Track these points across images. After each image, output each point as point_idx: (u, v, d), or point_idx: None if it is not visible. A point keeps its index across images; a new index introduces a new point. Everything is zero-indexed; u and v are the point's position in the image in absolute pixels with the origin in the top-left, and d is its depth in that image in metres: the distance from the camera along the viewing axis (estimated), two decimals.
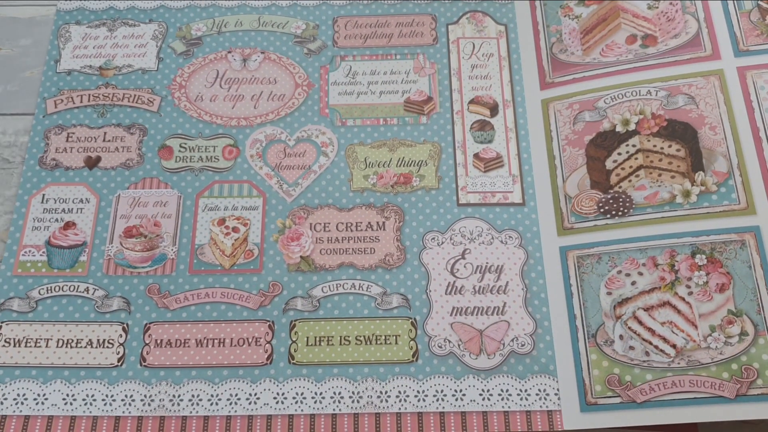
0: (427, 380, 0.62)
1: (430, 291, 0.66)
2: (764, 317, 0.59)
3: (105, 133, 0.72)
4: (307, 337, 0.64)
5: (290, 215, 0.68)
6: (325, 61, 0.75)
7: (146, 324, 0.64)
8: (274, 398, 0.61)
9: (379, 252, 0.67)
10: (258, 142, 0.71)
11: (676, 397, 0.60)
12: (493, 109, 0.73)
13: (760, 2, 0.69)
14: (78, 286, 0.66)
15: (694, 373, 0.60)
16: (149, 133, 0.72)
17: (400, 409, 0.61)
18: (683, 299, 0.62)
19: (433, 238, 0.68)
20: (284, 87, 0.73)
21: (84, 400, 0.60)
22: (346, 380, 0.62)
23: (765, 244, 0.61)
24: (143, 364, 0.62)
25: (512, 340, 0.64)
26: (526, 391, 0.63)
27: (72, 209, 0.69)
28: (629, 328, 0.63)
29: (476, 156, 0.71)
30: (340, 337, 0.64)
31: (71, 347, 0.62)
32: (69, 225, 0.68)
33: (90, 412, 0.60)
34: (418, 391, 0.62)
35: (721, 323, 0.61)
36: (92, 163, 0.70)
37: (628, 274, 0.64)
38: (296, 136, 0.71)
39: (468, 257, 0.67)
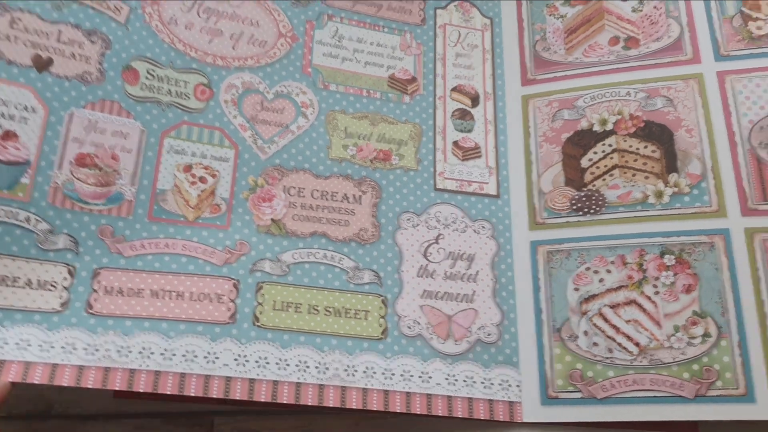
0: (395, 359, 0.60)
1: (402, 271, 0.64)
2: (728, 320, 0.60)
3: (60, 31, 0.61)
4: (274, 301, 0.60)
5: (263, 174, 0.64)
6: (312, 16, 0.71)
7: (96, 269, 0.57)
8: (235, 359, 0.57)
9: (353, 225, 0.64)
10: (234, 88, 0.66)
11: (636, 395, 0.59)
12: (474, 100, 0.72)
13: (743, 9, 0.71)
14: (17, 213, 0.56)
15: (656, 372, 0.60)
16: (113, 48, 0.63)
17: (366, 384, 0.59)
18: (649, 298, 0.62)
19: (409, 219, 0.66)
20: (267, 33, 0.69)
21: (18, 344, 0.54)
22: (312, 349, 0.59)
23: (734, 247, 0.62)
24: (89, 311, 0.56)
25: (479, 329, 0.63)
26: (489, 380, 0.61)
27: (14, 116, 0.58)
28: (594, 324, 0.63)
29: (455, 144, 0.70)
30: (309, 305, 0.61)
31: (6, 285, 0.55)
32: (9, 135, 0.57)
33: (23, 357, 0.54)
34: (386, 369, 0.60)
35: (685, 324, 0.61)
36: (42, 64, 0.60)
37: (596, 271, 0.64)
38: (275, 90, 0.67)
39: (441, 242, 0.66)
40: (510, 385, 0.62)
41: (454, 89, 0.72)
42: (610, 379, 0.60)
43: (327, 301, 0.61)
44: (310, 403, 0.58)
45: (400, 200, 0.67)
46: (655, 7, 0.73)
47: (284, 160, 0.65)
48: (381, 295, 0.63)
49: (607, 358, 0.61)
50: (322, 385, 0.58)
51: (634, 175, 0.67)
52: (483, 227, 0.67)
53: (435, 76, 0.72)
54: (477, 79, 0.73)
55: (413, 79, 0.72)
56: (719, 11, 0.72)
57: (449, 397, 0.60)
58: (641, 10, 0.73)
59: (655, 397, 0.59)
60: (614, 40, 0.73)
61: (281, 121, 0.67)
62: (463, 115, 0.72)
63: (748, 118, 0.67)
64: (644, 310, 0.62)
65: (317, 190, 0.65)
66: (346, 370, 0.59)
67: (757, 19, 0.70)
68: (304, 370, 0.58)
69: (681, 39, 0.71)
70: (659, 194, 0.66)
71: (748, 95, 0.67)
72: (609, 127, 0.70)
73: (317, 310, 0.61)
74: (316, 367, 0.59)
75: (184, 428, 0.65)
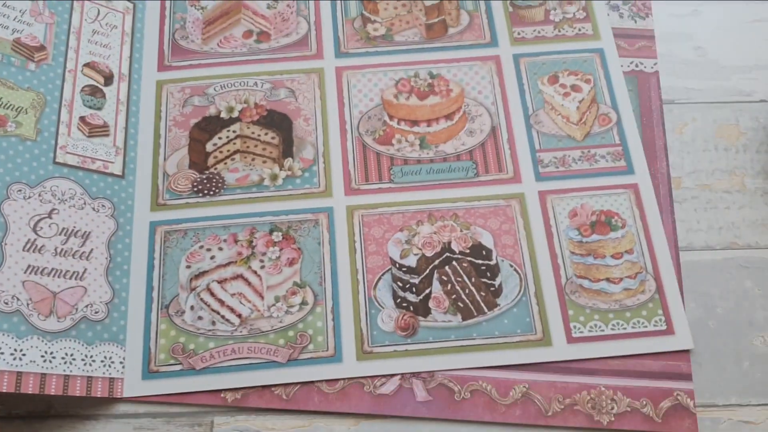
0: None
1: (5, 244, 0.61)
2: (324, 288, 0.65)
3: None
4: None
5: None
6: None
7: None
8: None
9: None
10: None
11: (233, 364, 0.62)
12: (108, 79, 0.71)
13: (363, 12, 0.78)
14: None
15: (254, 341, 0.63)
16: None
17: None
18: (255, 272, 0.66)
19: (20, 191, 0.63)
20: None
21: None
22: None
23: (336, 222, 0.67)
24: None
25: (86, 306, 0.62)
26: (91, 357, 0.61)
27: None
28: (201, 299, 0.65)
29: (82, 119, 0.69)
30: None
31: None
32: None
33: None
34: None
35: (285, 294, 0.65)
36: None
37: (209, 249, 0.67)
38: None
39: (55, 217, 0.64)
40: (113, 362, 0.62)
41: (87, 65, 0.71)
42: (210, 351, 0.63)
43: None
44: None
45: (12, 170, 0.64)
46: (288, 5, 0.78)
47: None
48: None
49: (209, 330, 0.64)
50: None
51: (253, 159, 0.71)
52: (103, 206, 0.66)
53: (67, 49, 0.71)
54: (113, 59, 0.73)
55: (42, 47, 0.69)
56: (343, 12, 0.78)
57: (42, 375, 0.58)
58: (275, 8, 0.78)
59: (250, 364, 0.63)
60: (248, 34, 0.77)
61: None
62: (93, 91, 0.71)
63: (359, 108, 0.73)
64: (249, 284, 0.66)
65: None
66: None
67: (374, 21, 0.77)
68: None
69: (308, 36, 0.77)
70: (274, 177, 0.70)
71: (361, 89, 0.74)
72: (235, 114, 0.73)
73: None
74: None
75: (184, 428, 0.61)
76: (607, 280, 0.65)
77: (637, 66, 0.75)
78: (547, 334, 0.63)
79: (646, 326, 0.63)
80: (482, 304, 0.64)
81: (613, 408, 0.62)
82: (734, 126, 0.73)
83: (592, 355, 0.62)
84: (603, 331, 0.63)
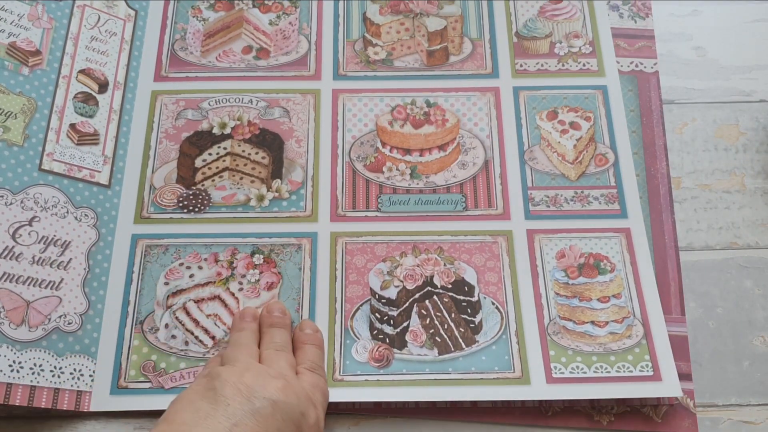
0: None
1: None
2: (300, 315, 0.64)
3: None
4: None
5: None
6: None
7: None
8: None
9: None
10: None
11: None
12: (103, 86, 0.71)
13: (365, 34, 0.77)
14: None
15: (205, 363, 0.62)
16: None
17: None
18: (233, 294, 0.65)
19: (2, 197, 0.63)
20: None
21: None
22: None
23: (319, 248, 0.67)
24: None
25: (60, 317, 0.62)
26: (60, 368, 0.60)
27: None
28: (176, 318, 0.64)
29: (72, 126, 0.68)
30: None
31: None
32: None
33: None
34: None
35: None
36: None
37: (188, 267, 0.66)
38: None
39: (35, 225, 0.63)
40: (82, 375, 0.61)
41: (82, 71, 0.71)
42: (180, 371, 0.62)
43: None
44: None
45: None
46: (290, 23, 0.77)
47: None
48: None
49: (182, 350, 0.63)
50: None
51: (241, 178, 0.70)
52: (86, 215, 0.66)
53: (63, 54, 0.70)
54: (110, 67, 0.73)
55: (37, 52, 0.69)
56: (345, 34, 0.78)
57: (8, 385, 0.58)
58: (277, 24, 0.77)
59: None
60: (247, 49, 0.77)
61: None
62: (86, 99, 0.70)
63: (352, 133, 0.72)
64: (226, 306, 0.65)
65: None
66: None
67: (376, 45, 0.77)
68: None
69: (308, 55, 0.76)
70: (261, 198, 0.69)
71: (356, 113, 0.73)
72: (227, 131, 0.72)
73: None
74: None
75: None
76: (592, 323, 0.64)
77: (637, 66, 0.75)
78: (525, 372, 0.62)
79: (631, 371, 0.61)
80: (460, 340, 0.63)
81: (613, 408, 0.62)
82: (734, 126, 0.74)
83: (572, 397, 0.61)
84: (585, 373, 0.61)
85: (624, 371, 0.62)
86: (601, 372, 0.62)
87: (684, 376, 0.63)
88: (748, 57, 0.77)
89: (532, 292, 0.65)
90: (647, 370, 0.62)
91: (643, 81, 0.75)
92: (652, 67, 0.75)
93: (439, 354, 0.63)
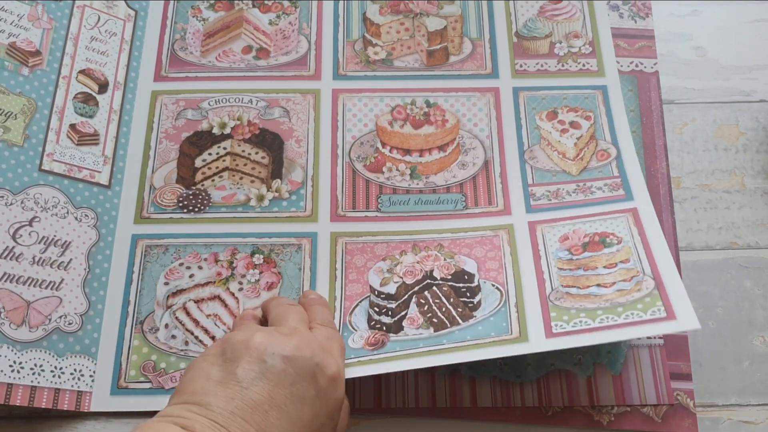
0: None
1: None
2: None
3: None
4: None
5: None
6: None
7: None
8: None
9: None
10: None
11: None
12: (103, 87, 0.71)
13: (365, 34, 0.77)
14: None
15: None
16: None
17: None
18: (233, 294, 0.65)
19: (2, 197, 0.63)
20: None
21: None
22: None
23: (319, 249, 0.66)
24: None
25: (60, 317, 0.62)
26: (60, 369, 0.60)
27: None
28: (176, 318, 0.64)
29: (72, 127, 0.68)
30: None
31: None
32: None
33: None
34: None
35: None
36: None
37: (188, 267, 0.66)
38: None
39: (36, 225, 0.64)
40: (83, 375, 0.61)
41: (82, 71, 0.71)
42: (180, 371, 0.62)
43: None
44: None
45: None
46: (290, 23, 0.77)
47: None
48: None
49: (182, 350, 0.63)
50: None
51: (241, 178, 0.70)
52: (86, 215, 0.66)
53: (63, 55, 0.70)
54: (110, 67, 0.73)
55: (37, 53, 0.69)
56: (345, 33, 0.78)
57: (9, 385, 0.58)
58: (277, 24, 0.77)
59: None
60: (247, 49, 0.77)
61: None
62: (86, 99, 0.70)
63: (352, 133, 0.72)
64: (226, 306, 0.65)
65: None
66: None
67: (375, 45, 0.77)
68: None
69: (308, 55, 0.76)
70: (261, 198, 0.69)
71: (356, 113, 0.73)
72: (227, 131, 0.72)
73: None
74: None
75: None
76: (598, 285, 0.61)
77: (637, 66, 0.75)
78: (524, 332, 0.59)
79: (641, 316, 0.58)
80: (457, 318, 0.62)
81: (613, 408, 0.62)
82: (734, 126, 0.74)
83: (574, 345, 0.57)
84: (589, 325, 0.58)
85: (633, 317, 0.58)
86: (608, 321, 0.58)
87: (684, 376, 0.63)
88: (748, 57, 0.77)
89: (534, 271, 0.64)
90: (660, 313, 0.58)
91: (643, 81, 0.75)
92: (652, 67, 0.75)
93: (435, 331, 0.61)
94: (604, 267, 0.63)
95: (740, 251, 0.69)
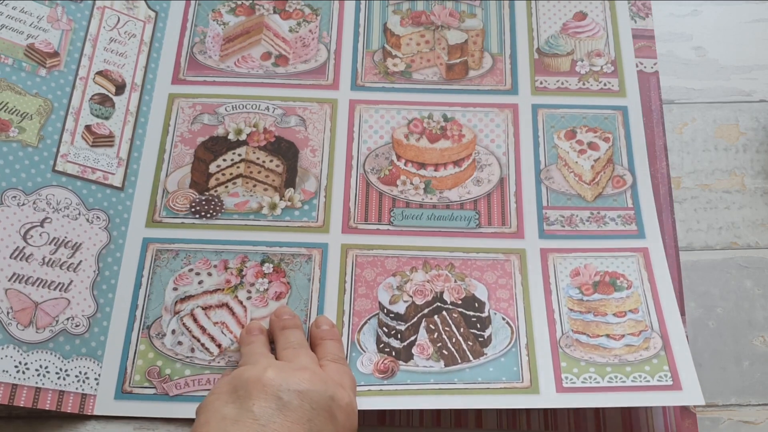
0: None
1: None
2: (306, 326, 0.63)
3: None
4: None
5: None
6: None
7: None
8: None
9: None
10: None
11: (204, 394, 0.60)
12: (120, 88, 0.71)
13: (385, 45, 0.76)
14: None
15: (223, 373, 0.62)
16: None
17: None
18: (241, 303, 0.65)
19: (15, 197, 0.63)
20: None
21: None
22: None
23: (329, 260, 0.66)
24: None
25: (68, 319, 0.61)
26: (66, 371, 0.60)
27: None
28: (183, 324, 0.64)
29: (87, 128, 0.68)
30: None
31: None
32: None
33: None
34: None
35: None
36: None
37: (198, 273, 0.66)
38: None
39: (47, 226, 0.63)
40: (88, 378, 0.61)
41: (99, 73, 0.71)
42: (185, 378, 0.62)
43: None
44: None
45: (9, 175, 0.63)
46: (310, 31, 0.77)
47: None
48: None
49: (188, 357, 0.63)
50: None
51: (255, 186, 0.70)
52: (98, 217, 0.66)
53: (81, 56, 0.70)
54: (128, 68, 0.72)
55: (55, 54, 0.69)
56: (365, 44, 0.77)
57: (13, 386, 0.58)
58: (297, 32, 0.77)
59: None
60: (266, 56, 0.76)
61: None
62: (103, 100, 0.70)
63: (367, 145, 0.72)
64: (234, 314, 0.65)
65: None
66: None
67: (395, 56, 0.76)
68: None
69: (326, 64, 0.76)
70: (273, 206, 0.69)
71: (372, 125, 0.72)
72: (243, 137, 0.72)
73: None
74: None
75: (186, 429, 0.60)
76: (607, 336, 0.62)
77: (637, 66, 0.75)
78: (534, 382, 0.60)
79: (648, 381, 0.59)
80: (468, 353, 0.62)
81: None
82: (734, 126, 0.73)
83: (583, 405, 0.59)
84: (598, 383, 0.60)
85: (641, 381, 0.60)
86: (616, 382, 0.60)
87: None
88: (748, 57, 0.77)
89: (545, 308, 0.64)
90: (666, 380, 0.60)
91: (643, 81, 0.75)
92: (652, 67, 0.75)
93: (446, 366, 0.62)
94: (614, 315, 0.64)
95: (740, 251, 0.69)
